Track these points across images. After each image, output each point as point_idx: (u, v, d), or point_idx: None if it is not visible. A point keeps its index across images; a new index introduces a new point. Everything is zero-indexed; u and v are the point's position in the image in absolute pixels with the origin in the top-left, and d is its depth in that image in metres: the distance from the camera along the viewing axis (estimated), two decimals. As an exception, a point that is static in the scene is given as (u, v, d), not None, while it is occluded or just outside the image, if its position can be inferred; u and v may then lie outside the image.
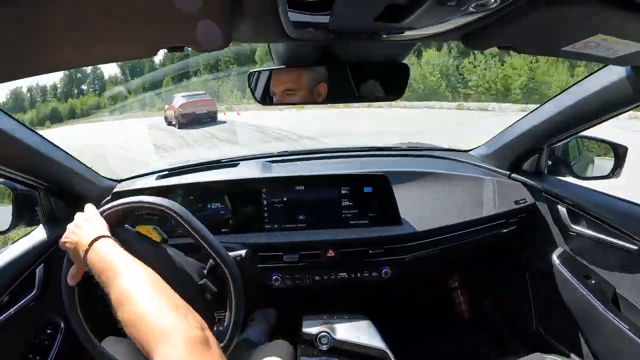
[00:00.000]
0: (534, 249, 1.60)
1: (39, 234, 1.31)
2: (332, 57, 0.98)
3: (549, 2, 0.57)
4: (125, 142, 13.13)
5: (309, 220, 1.46)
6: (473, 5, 0.55)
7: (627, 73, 0.99)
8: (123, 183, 1.61)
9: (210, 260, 0.99)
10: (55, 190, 1.35)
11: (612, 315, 1.21)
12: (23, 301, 1.17)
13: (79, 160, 1.41)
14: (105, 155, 10.35)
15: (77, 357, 1.20)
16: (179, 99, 15.79)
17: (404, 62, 1.04)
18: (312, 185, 1.48)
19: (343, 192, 1.47)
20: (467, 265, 1.94)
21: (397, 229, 1.45)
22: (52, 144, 1.27)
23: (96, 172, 1.52)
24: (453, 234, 1.50)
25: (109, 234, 0.85)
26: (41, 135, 1.21)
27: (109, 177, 1.61)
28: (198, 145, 11.59)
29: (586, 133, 1.37)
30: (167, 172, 1.63)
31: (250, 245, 1.37)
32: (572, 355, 1.36)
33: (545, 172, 1.54)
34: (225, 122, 15.34)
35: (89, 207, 0.94)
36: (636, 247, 1.14)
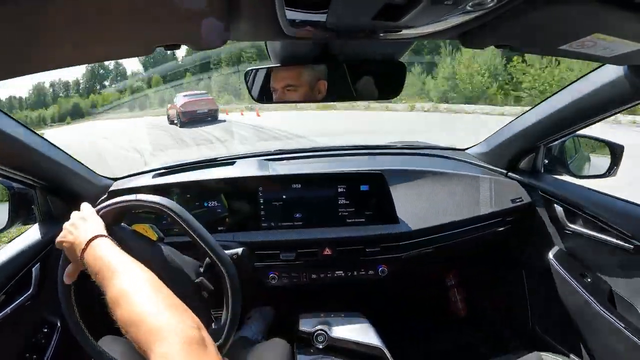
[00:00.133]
0: (530, 247, 1.61)
1: (35, 232, 1.31)
2: (329, 55, 0.98)
3: (547, 0, 0.57)
4: (130, 140, 13.23)
5: (305, 219, 1.46)
6: (470, 4, 0.55)
7: (623, 72, 0.99)
8: (119, 181, 1.61)
9: (207, 258, 0.99)
10: (52, 189, 1.35)
11: (608, 314, 1.21)
12: (19, 300, 1.16)
13: (75, 159, 1.41)
14: (102, 155, 10.38)
15: (74, 356, 1.19)
16: (180, 99, 15.92)
17: (401, 60, 1.04)
18: (309, 184, 1.48)
19: (340, 190, 1.47)
20: (463, 264, 1.95)
21: (393, 227, 1.45)
22: (49, 142, 1.26)
23: (92, 171, 1.51)
24: (449, 232, 1.50)
25: (105, 233, 0.84)
26: (37, 134, 1.20)
27: (104, 175, 1.60)
28: (196, 145, 11.59)
29: (583, 132, 1.37)
30: (163, 171, 1.62)
31: (247, 243, 1.37)
32: (568, 353, 1.37)
33: (542, 170, 1.54)
34: (224, 120, 15.49)
35: (85, 206, 0.94)
36: (632, 246, 1.15)
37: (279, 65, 1.04)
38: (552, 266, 1.44)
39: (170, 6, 0.55)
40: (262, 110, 15.98)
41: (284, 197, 1.46)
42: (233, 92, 24.62)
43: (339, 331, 1.23)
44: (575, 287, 1.33)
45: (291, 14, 0.61)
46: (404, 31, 0.70)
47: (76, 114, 41.47)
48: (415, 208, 1.50)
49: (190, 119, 14.94)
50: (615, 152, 1.35)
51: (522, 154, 1.55)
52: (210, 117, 15.40)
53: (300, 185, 1.47)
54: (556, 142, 1.47)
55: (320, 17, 0.62)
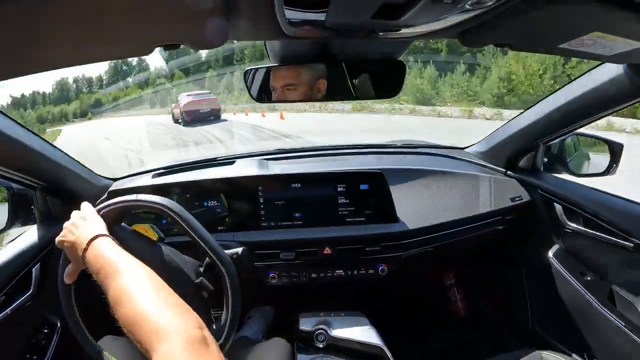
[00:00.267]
0: (530, 246, 1.61)
1: (35, 233, 1.30)
2: (328, 54, 0.98)
3: None
4: (131, 141, 13.52)
5: (305, 218, 1.46)
6: (469, 3, 0.55)
7: (623, 70, 0.99)
8: (119, 181, 1.61)
9: (207, 258, 0.99)
10: (51, 189, 1.35)
11: (608, 312, 1.22)
12: (19, 301, 1.16)
13: (74, 159, 1.41)
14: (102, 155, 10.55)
15: (74, 356, 1.19)
16: (184, 98, 16.39)
17: (400, 59, 1.04)
18: (309, 183, 1.48)
19: (339, 189, 1.47)
20: (463, 263, 1.95)
21: (393, 227, 1.45)
22: (48, 142, 1.26)
23: (91, 171, 1.51)
24: (449, 231, 1.51)
25: (106, 232, 0.85)
26: (37, 134, 1.20)
27: (104, 175, 1.60)
28: (194, 145, 11.68)
29: (582, 130, 1.37)
30: (163, 170, 1.62)
31: (246, 243, 1.37)
32: (568, 351, 1.37)
33: (542, 169, 1.54)
34: (226, 120, 15.98)
35: (86, 206, 0.94)
36: (632, 245, 1.15)
37: (278, 64, 1.04)
38: (551, 265, 1.44)
39: (170, 6, 0.55)
40: (267, 111, 16.09)
41: (283, 196, 1.46)
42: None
43: (339, 330, 1.24)
44: (575, 286, 1.34)
45: (290, 14, 0.61)
46: (403, 30, 0.70)
47: (97, 110, 41.62)
48: (415, 207, 1.50)
49: (193, 118, 15.42)
50: (615, 150, 1.35)
51: (521, 153, 1.55)
52: (212, 117, 15.86)
53: (300, 185, 1.47)
54: (555, 141, 1.47)
55: (320, 17, 0.62)
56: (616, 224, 1.20)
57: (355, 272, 1.46)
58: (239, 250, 1.24)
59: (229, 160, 1.68)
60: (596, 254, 1.31)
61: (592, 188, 1.35)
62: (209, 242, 0.97)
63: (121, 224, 1.00)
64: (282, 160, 1.71)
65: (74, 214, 0.92)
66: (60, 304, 0.93)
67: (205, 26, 0.65)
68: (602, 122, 7.61)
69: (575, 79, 1.21)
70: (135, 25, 0.61)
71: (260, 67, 1.04)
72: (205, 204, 1.46)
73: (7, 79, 0.71)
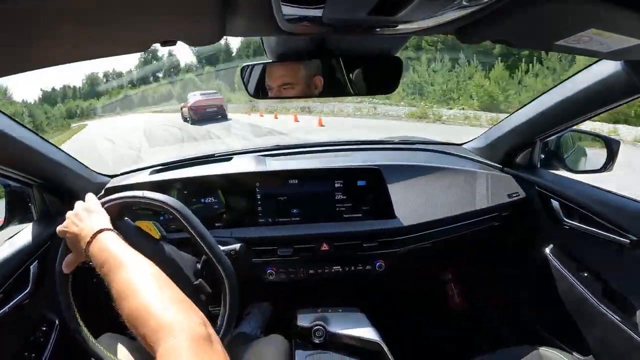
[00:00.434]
0: (526, 242, 1.61)
1: (32, 230, 1.30)
2: (325, 50, 0.98)
3: None
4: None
5: (303, 214, 1.46)
6: None
7: (620, 67, 0.99)
8: (116, 178, 1.60)
9: (204, 255, 0.99)
10: (49, 187, 1.34)
11: (605, 308, 1.22)
12: (17, 298, 1.16)
13: (71, 156, 1.40)
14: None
15: (73, 353, 1.19)
16: (192, 98, 17.27)
17: (397, 55, 1.04)
18: (306, 179, 1.48)
19: (337, 185, 1.47)
20: (460, 259, 1.95)
21: (390, 223, 1.45)
22: (45, 140, 1.26)
23: (89, 168, 1.51)
24: (446, 227, 1.51)
25: (111, 226, 0.85)
26: (33, 131, 1.20)
27: (101, 172, 1.60)
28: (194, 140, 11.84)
29: (579, 127, 1.37)
30: (160, 167, 1.62)
31: (244, 239, 1.37)
32: (565, 347, 1.38)
33: (539, 165, 1.55)
34: (231, 119, 16.76)
35: (91, 197, 0.94)
36: (628, 241, 1.15)
37: (275, 60, 1.03)
38: (548, 261, 1.45)
39: (167, 2, 0.55)
40: (280, 113, 16.41)
41: (281, 192, 1.47)
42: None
43: (336, 326, 1.24)
44: (572, 282, 1.34)
45: (287, 10, 0.61)
46: (400, 26, 0.70)
47: (125, 106, 41.79)
48: (412, 203, 1.50)
49: (200, 117, 16.20)
50: (612, 147, 1.35)
51: (518, 149, 1.55)
52: (219, 116, 16.72)
53: (297, 181, 1.47)
54: (552, 137, 1.47)
55: (317, 13, 0.61)
56: (613, 221, 1.21)
57: (353, 268, 1.46)
58: (237, 246, 1.24)
59: (226, 157, 1.68)
60: (593, 250, 1.31)
61: (589, 184, 1.35)
62: (211, 245, 0.98)
63: (125, 219, 1.00)
64: (280, 157, 1.71)
65: (78, 204, 0.92)
66: (58, 302, 0.93)
67: (201, 23, 0.65)
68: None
69: (572, 75, 1.21)
70: (133, 23, 0.61)
71: (257, 64, 1.04)
72: (202, 200, 1.46)
73: (5, 75, 0.71)
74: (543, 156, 1.54)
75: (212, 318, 0.96)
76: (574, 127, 1.38)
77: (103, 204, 0.94)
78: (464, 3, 0.56)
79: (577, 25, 0.66)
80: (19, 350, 1.20)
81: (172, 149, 10.91)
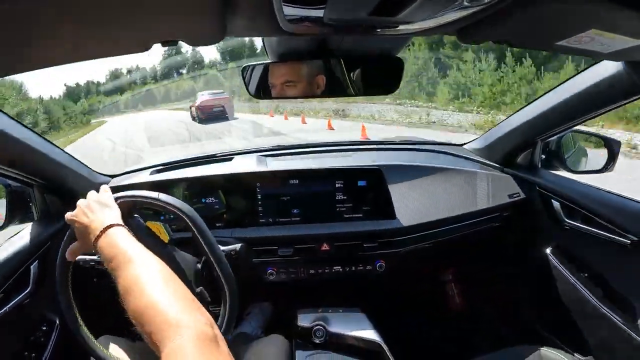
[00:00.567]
0: (527, 242, 1.61)
1: (33, 230, 1.30)
2: (327, 51, 0.98)
3: None
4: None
5: (303, 214, 1.46)
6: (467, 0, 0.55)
7: (620, 68, 0.99)
8: (116, 178, 1.60)
9: (204, 256, 1.00)
10: (49, 187, 1.34)
11: (606, 309, 1.22)
12: (18, 298, 1.16)
13: (72, 156, 1.40)
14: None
15: (73, 353, 1.20)
16: (200, 97, 17.86)
17: (398, 56, 1.04)
18: (307, 179, 1.48)
19: (337, 185, 1.47)
20: (461, 259, 1.95)
21: (391, 223, 1.45)
22: (46, 139, 1.25)
23: (89, 168, 1.51)
24: (447, 228, 1.51)
25: (122, 222, 0.84)
26: (34, 131, 1.20)
27: (102, 172, 1.60)
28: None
29: (580, 127, 1.37)
30: (161, 167, 1.62)
31: (245, 239, 1.37)
32: (566, 347, 1.38)
33: (539, 166, 1.54)
34: (237, 118, 17.15)
35: (106, 190, 0.94)
36: (629, 241, 1.15)
37: (276, 61, 1.04)
38: (549, 261, 1.45)
39: (168, 3, 0.55)
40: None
41: (281, 192, 1.47)
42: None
43: (337, 326, 1.24)
44: (572, 282, 1.34)
45: (289, 10, 0.61)
46: (401, 27, 0.70)
47: (148, 102, 41.70)
48: (413, 203, 1.50)
49: (207, 116, 16.60)
50: (613, 148, 1.35)
51: (519, 149, 1.55)
52: (226, 115, 16.96)
53: (298, 181, 1.47)
54: (553, 138, 1.47)
55: (318, 13, 0.61)
56: (614, 221, 1.20)
57: (353, 268, 1.46)
58: (237, 246, 1.24)
59: (227, 157, 1.68)
60: (594, 250, 1.31)
61: (590, 185, 1.35)
62: (217, 255, 0.98)
63: (135, 217, 1.00)
64: (280, 157, 1.71)
65: (92, 195, 0.91)
66: (58, 302, 0.93)
67: (202, 23, 0.65)
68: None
69: (573, 76, 1.21)
70: (133, 23, 0.61)
71: (258, 64, 1.04)
72: (203, 200, 1.46)
73: (5, 75, 0.71)
74: (544, 156, 1.54)
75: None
76: (575, 128, 1.38)
77: (116, 200, 0.94)
78: (465, 3, 0.56)
79: (577, 26, 0.66)
80: (20, 350, 1.20)
81: (175, 149, 11.06)
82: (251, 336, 1.50)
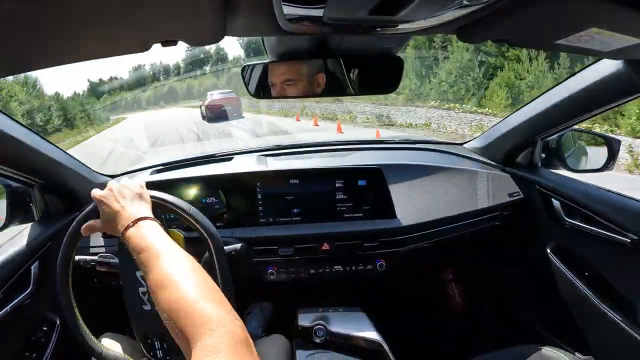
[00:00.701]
0: (527, 241, 1.61)
1: (33, 230, 1.30)
2: (326, 50, 0.98)
3: None
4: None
5: (303, 214, 1.46)
6: None
7: (620, 67, 0.99)
8: (117, 178, 1.60)
9: (206, 253, 1.00)
10: (50, 187, 1.34)
11: (606, 308, 1.22)
12: (18, 299, 1.16)
13: (71, 156, 1.40)
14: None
15: (73, 354, 1.20)
16: (209, 97, 18.38)
17: (398, 55, 1.04)
18: (307, 179, 1.48)
19: (338, 185, 1.47)
20: (461, 258, 1.95)
21: (391, 222, 1.45)
22: (46, 140, 1.25)
23: (90, 168, 1.51)
24: (447, 227, 1.51)
25: (153, 217, 0.84)
26: (34, 131, 1.20)
27: (103, 173, 1.60)
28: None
29: (580, 126, 1.37)
30: (161, 167, 1.62)
31: (245, 239, 1.37)
32: (566, 346, 1.38)
33: (539, 165, 1.54)
34: (244, 117, 17.55)
35: (142, 182, 0.93)
36: (629, 240, 1.15)
37: (275, 60, 1.04)
38: (549, 260, 1.45)
39: (167, 3, 0.55)
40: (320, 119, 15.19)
41: (282, 192, 1.47)
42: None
43: (337, 326, 1.24)
44: (573, 281, 1.34)
45: (288, 10, 0.61)
46: (401, 26, 0.70)
47: (170, 99, 41.57)
48: (413, 202, 1.50)
49: (215, 115, 17.05)
50: (612, 146, 1.35)
51: (519, 148, 1.55)
52: (235, 114, 17.33)
53: (298, 181, 1.47)
54: (553, 137, 1.47)
55: (317, 12, 0.61)
56: (614, 220, 1.20)
57: (354, 267, 1.46)
58: (238, 246, 1.24)
59: (227, 157, 1.68)
60: (594, 249, 1.31)
61: (590, 184, 1.35)
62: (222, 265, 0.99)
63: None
64: (281, 156, 1.71)
65: (126, 181, 0.91)
66: (59, 302, 0.93)
67: (202, 22, 0.65)
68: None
69: (573, 75, 1.21)
70: (133, 23, 0.61)
71: (258, 63, 1.04)
72: (203, 200, 1.46)
73: (5, 76, 0.71)
74: (544, 155, 1.54)
75: None
76: (575, 126, 1.38)
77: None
78: (465, 2, 0.57)
79: (577, 25, 0.66)
80: (20, 350, 1.20)
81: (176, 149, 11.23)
82: (251, 336, 1.50)
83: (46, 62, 0.71)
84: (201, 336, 0.55)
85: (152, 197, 0.93)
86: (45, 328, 1.29)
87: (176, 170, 1.57)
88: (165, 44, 0.70)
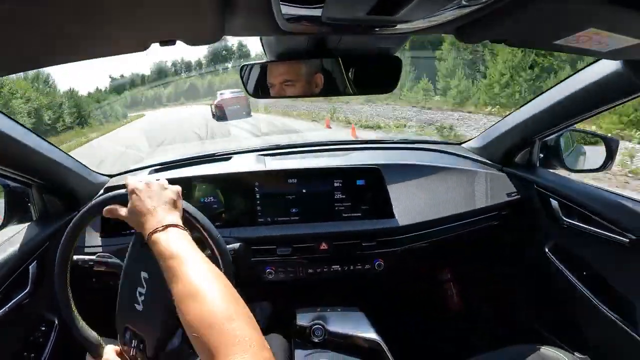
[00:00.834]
0: (526, 241, 1.61)
1: (31, 230, 1.30)
2: (325, 50, 0.98)
3: None
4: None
5: (302, 214, 1.46)
6: None
7: (619, 67, 0.99)
8: (115, 178, 1.60)
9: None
10: (48, 187, 1.34)
11: (604, 307, 1.22)
12: (17, 299, 1.16)
13: (70, 156, 1.40)
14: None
15: (72, 353, 1.19)
16: (219, 96, 18.87)
17: (396, 55, 1.04)
18: (305, 179, 1.48)
19: (336, 185, 1.47)
20: (459, 258, 1.96)
21: (389, 222, 1.46)
22: (44, 139, 1.25)
23: (88, 168, 1.51)
24: (445, 227, 1.51)
25: (183, 226, 0.83)
26: (33, 131, 1.19)
27: (101, 172, 1.60)
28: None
29: (578, 126, 1.38)
30: (159, 167, 1.62)
31: (243, 238, 1.37)
32: (565, 346, 1.38)
33: (538, 164, 1.55)
34: (251, 116, 17.85)
35: (179, 189, 0.92)
36: (627, 240, 1.16)
37: (274, 60, 1.04)
38: (548, 260, 1.45)
39: (165, 2, 0.54)
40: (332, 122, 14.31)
41: (280, 192, 1.47)
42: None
43: (336, 325, 1.24)
44: (571, 281, 1.34)
45: (286, 9, 0.61)
46: (399, 26, 0.70)
47: (190, 96, 41.42)
48: (411, 202, 1.51)
49: (222, 114, 17.41)
50: (611, 146, 1.35)
51: (517, 148, 1.55)
52: (244, 112, 17.59)
53: (296, 180, 1.47)
54: (552, 137, 1.47)
55: (316, 12, 0.61)
56: (612, 220, 1.21)
57: (352, 267, 1.46)
58: (236, 246, 1.24)
59: (225, 156, 1.68)
60: (592, 249, 1.31)
61: (588, 184, 1.36)
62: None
63: None
64: (279, 156, 1.71)
65: (162, 181, 0.90)
66: (57, 302, 0.93)
67: (201, 22, 0.65)
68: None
69: (571, 75, 1.21)
70: (132, 23, 0.61)
71: (257, 63, 1.04)
72: (201, 200, 1.46)
73: (4, 75, 0.70)
74: (542, 155, 1.54)
75: None
76: (573, 127, 1.38)
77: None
78: (463, 3, 0.56)
79: (576, 25, 0.66)
80: (19, 350, 1.20)
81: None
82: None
83: (45, 61, 0.70)
84: (231, 355, 0.55)
85: (184, 209, 0.92)
86: (43, 328, 1.29)
87: (175, 170, 1.57)
88: (164, 43, 0.70)
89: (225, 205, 1.46)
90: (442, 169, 1.59)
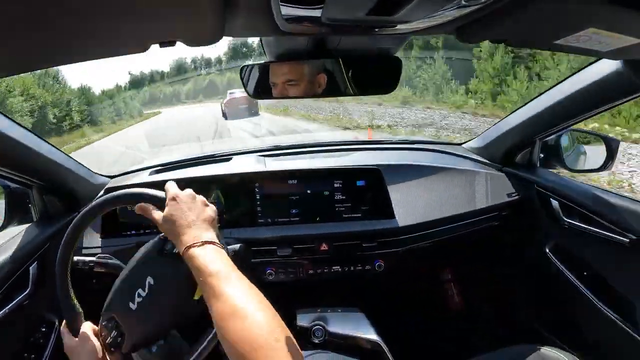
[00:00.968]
0: (526, 241, 1.61)
1: (32, 231, 1.30)
2: (325, 51, 0.98)
3: None
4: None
5: (302, 214, 1.46)
6: None
7: (619, 67, 0.99)
8: (116, 179, 1.60)
9: None
10: (48, 188, 1.34)
11: (605, 307, 1.22)
12: (17, 300, 1.16)
13: (70, 157, 1.40)
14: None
15: None
16: (229, 95, 19.05)
17: (397, 55, 1.04)
18: (305, 179, 1.48)
19: (336, 185, 1.47)
20: (460, 258, 1.95)
21: (390, 222, 1.45)
22: (44, 140, 1.25)
23: (88, 169, 1.51)
24: (446, 227, 1.51)
25: (222, 244, 0.82)
26: (33, 132, 1.19)
27: (101, 173, 1.60)
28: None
29: (578, 126, 1.37)
30: (160, 168, 1.62)
31: (243, 239, 1.37)
32: (565, 346, 1.38)
33: (538, 165, 1.55)
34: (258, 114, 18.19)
35: (217, 211, 0.90)
36: (627, 240, 1.16)
37: (274, 60, 1.04)
38: (548, 260, 1.45)
39: (165, 3, 0.55)
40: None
41: (280, 192, 1.47)
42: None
43: (336, 326, 1.24)
44: (571, 281, 1.34)
45: (286, 10, 0.61)
46: (399, 26, 0.70)
47: (209, 93, 41.41)
48: (412, 203, 1.50)
49: (232, 113, 17.69)
50: (611, 146, 1.35)
51: (517, 149, 1.55)
52: (253, 111, 18.10)
53: (296, 181, 1.47)
54: (552, 137, 1.47)
55: (316, 13, 0.61)
56: (612, 220, 1.21)
57: (352, 268, 1.46)
58: (236, 246, 1.24)
59: (225, 157, 1.68)
60: (592, 249, 1.31)
61: (589, 184, 1.36)
62: None
63: None
64: (279, 157, 1.71)
65: (201, 198, 0.89)
66: (58, 302, 0.93)
67: (200, 23, 0.65)
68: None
69: (571, 75, 1.21)
70: (130, 23, 0.61)
71: (257, 64, 1.04)
72: None
73: (4, 76, 0.71)
74: (542, 155, 1.54)
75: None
76: (573, 126, 1.38)
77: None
78: (463, 3, 0.56)
79: (576, 25, 0.66)
80: (19, 351, 1.20)
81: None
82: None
83: (45, 62, 0.70)
84: None
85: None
86: (43, 329, 1.29)
87: (175, 171, 1.57)
88: (163, 44, 0.70)
89: (226, 206, 1.46)
90: (443, 169, 1.59)
